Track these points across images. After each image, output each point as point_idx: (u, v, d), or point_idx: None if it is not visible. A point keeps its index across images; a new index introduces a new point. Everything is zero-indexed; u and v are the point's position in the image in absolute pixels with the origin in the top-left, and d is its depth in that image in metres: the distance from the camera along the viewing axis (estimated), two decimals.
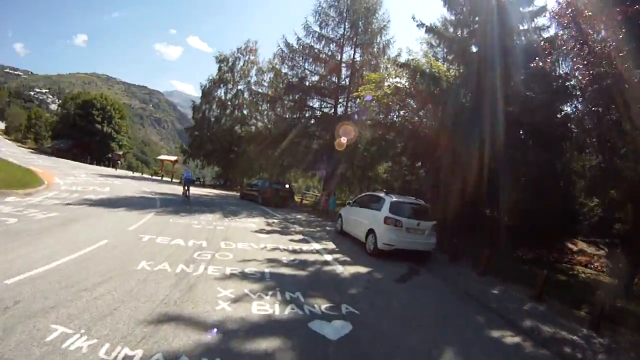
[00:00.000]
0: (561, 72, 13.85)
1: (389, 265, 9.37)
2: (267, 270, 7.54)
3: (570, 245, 17.02)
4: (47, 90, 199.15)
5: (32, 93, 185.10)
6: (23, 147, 64.23)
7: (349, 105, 27.10)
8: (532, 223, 12.95)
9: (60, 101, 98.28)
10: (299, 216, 18.50)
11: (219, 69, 41.79)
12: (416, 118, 18.89)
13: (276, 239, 11.36)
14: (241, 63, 41.83)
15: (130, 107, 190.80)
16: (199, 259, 7.68)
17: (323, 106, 27.38)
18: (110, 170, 42.78)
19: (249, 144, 30.55)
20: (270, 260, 8.38)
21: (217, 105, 41.76)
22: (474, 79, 14.58)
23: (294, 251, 9.80)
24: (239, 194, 26.51)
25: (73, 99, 71.13)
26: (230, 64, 41.57)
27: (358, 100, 26.08)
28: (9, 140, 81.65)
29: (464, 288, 8.29)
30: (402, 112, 19.24)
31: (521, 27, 15.77)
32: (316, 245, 10.93)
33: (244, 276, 6.92)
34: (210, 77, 41.89)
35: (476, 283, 8.78)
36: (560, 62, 13.91)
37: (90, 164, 51.49)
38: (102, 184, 22.22)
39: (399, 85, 18.91)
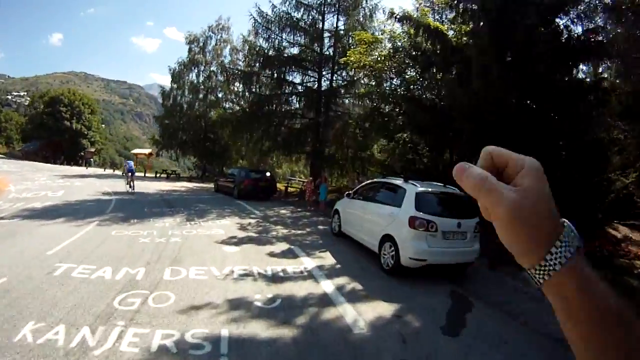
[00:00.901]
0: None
1: (421, 294, 6.14)
2: (225, 332, 4.35)
3: (612, 232, 14.04)
4: (25, 93, 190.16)
5: (9, 97, 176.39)
6: None
7: (334, 77, 23.60)
8: (568, 206, 9.90)
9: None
10: (282, 211, 15.14)
11: (190, 50, 37.47)
12: (418, 85, 15.64)
13: (250, 253, 8.06)
14: (213, 42, 37.58)
15: (111, 103, 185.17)
16: (118, 312, 4.68)
17: (305, 80, 23.74)
18: (80, 170, 38.78)
19: (223, 128, 26.72)
20: (234, 305, 5.16)
21: (189, 90, 37.54)
22: (496, 35, 11.26)
23: (275, 278, 6.49)
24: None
25: (41, 97, 65.97)
26: (201, 44, 37.34)
27: (345, 71, 22.82)
28: None
29: (548, 331, 5.06)
30: (398, 80, 15.94)
31: None
32: (308, 262, 7.61)
33: (180, 355, 3.71)
34: (180, 60, 37.76)
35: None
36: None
37: (61, 164, 47.24)
38: (59, 186, 19.09)
39: (396, 45, 15.64)
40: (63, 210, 11.96)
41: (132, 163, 20.65)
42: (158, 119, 39.00)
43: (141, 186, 21.84)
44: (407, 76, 15.47)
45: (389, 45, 16.07)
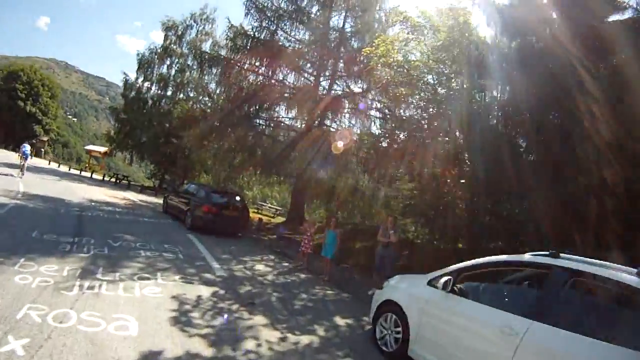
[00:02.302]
0: None
1: None
2: None
3: None
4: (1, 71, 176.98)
5: None
6: None
7: (334, 85, 18.62)
8: None
9: None
10: (260, 267, 9.45)
11: (165, 37, 31.87)
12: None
13: None
14: (193, 33, 32.10)
15: (87, 98, 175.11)
16: None
17: (301, 82, 18.49)
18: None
19: (187, 129, 20.91)
20: None
21: (156, 82, 31.77)
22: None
23: None
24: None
25: (2, 70, 57.90)
26: (179, 32, 31.80)
27: (349, 79, 17.94)
28: None
29: None
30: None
31: None
32: None
33: None
34: (152, 47, 32.10)
35: None
36: None
37: (6, 149, 39.99)
38: None
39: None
40: None
41: (28, 147, 19.58)
42: (114, 111, 32.57)
43: (70, 190, 16.11)
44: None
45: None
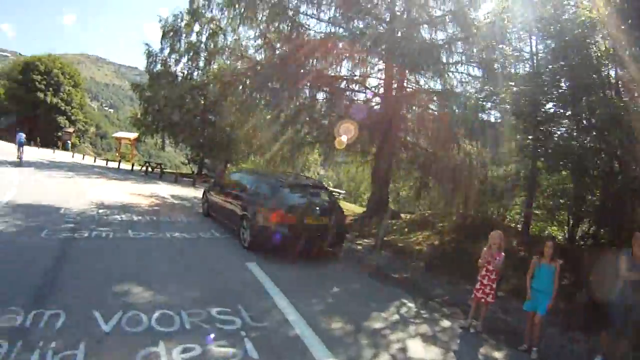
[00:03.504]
0: None
1: None
2: None
3: None
4: None
5: None
6: None
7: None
8: None
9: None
10: (418, 353, 4.53)
11: (191, 1, 26.76)
12: None
13: None
14: None
15: (121, 89, 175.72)
16: None
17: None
18: (42, 154, 29.23)
19: (226, 98, 15.84)
20: None
21: (185, 52, 26.75)
22: None
23: None
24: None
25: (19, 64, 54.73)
26: None
27: None
28: None
29: None
30: None
31: None
32: None
33: None
34: (178, 13, 26.87)
35: None
36: None
37: (36, 145, 36.97)
38: None
39: None
40: None
41: (22, 135, 19.60)
42: (136, 88, 27.82)
43: (77, 191, 12.47)
44: None
45: None
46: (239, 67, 15.11)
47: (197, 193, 16.05)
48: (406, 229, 11.59)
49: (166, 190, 16.41)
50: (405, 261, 8.48)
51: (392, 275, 7.39)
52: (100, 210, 10.06)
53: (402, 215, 13.81)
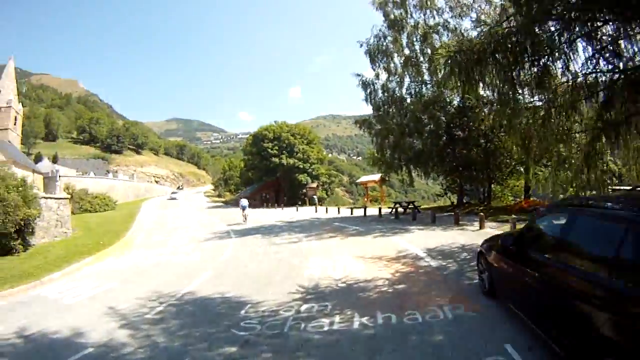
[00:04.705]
0: None
1: None
2: None
3: None
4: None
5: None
6: (216, 199, 64.11)
7: None
8: None
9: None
10: None
11: (385, 14, 22.90)
12: None
13: None
14: None
15: (363, 136, 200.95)
16: None
17: None
18: (290, 213, 30.28)
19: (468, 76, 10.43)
20: None
21: (401, 68, 22.88)
22: None
23: None
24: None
25: (250, 138, 63.70)
26: None
27: None
28: (209, 195, 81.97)
29: None
30: None
31: None
32: None
33: None
34: (377, 32, 23.34)
35: None
36: None
37: (278, 206, 40.46)
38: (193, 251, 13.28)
39: None
40: None
41: (245, 201, 24.47)
42: (363, 124, 25.04)
43: (291, 265, 10.05)
44: None
45: None
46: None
47: (462, 238, 11.59)
48: None
49: (419, 240, 11.96)
50: None
51: None
52: (304, 307, 6.18)
53: None
